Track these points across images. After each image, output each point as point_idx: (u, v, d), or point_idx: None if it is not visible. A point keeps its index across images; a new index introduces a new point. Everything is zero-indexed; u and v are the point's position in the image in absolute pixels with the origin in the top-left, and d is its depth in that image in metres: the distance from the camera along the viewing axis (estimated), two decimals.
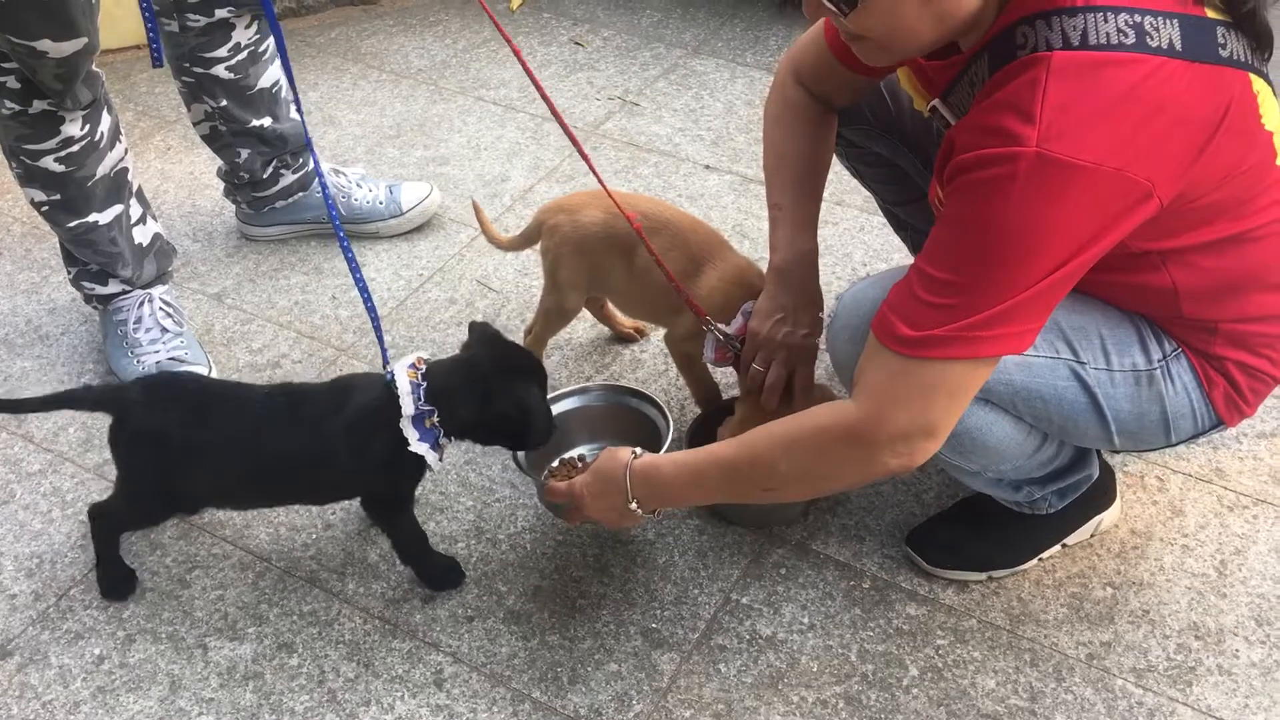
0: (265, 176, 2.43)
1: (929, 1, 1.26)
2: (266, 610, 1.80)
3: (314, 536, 1.91)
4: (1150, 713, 1.64)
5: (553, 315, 2.02)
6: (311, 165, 2.50)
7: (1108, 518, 1.86)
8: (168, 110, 3.03)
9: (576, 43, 3.30)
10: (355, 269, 1.71)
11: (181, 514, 1.83)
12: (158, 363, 2.13)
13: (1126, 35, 1.23)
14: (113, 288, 2.18)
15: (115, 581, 1.81)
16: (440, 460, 1.67)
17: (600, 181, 1.83)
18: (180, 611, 1.80)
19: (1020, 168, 1.23)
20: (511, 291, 2.41)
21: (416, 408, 1.62)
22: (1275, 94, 1.40)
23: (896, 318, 1.35)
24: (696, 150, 2.84)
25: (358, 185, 2.55)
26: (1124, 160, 1.23)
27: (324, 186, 1.68)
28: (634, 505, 1.58)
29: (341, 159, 2.82)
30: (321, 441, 1.65)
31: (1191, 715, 1.63)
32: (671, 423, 1.82)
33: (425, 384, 1.64)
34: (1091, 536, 1.86)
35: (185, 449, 1.65)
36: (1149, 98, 1.23)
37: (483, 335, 1.72)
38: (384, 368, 1.69)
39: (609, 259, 1.90)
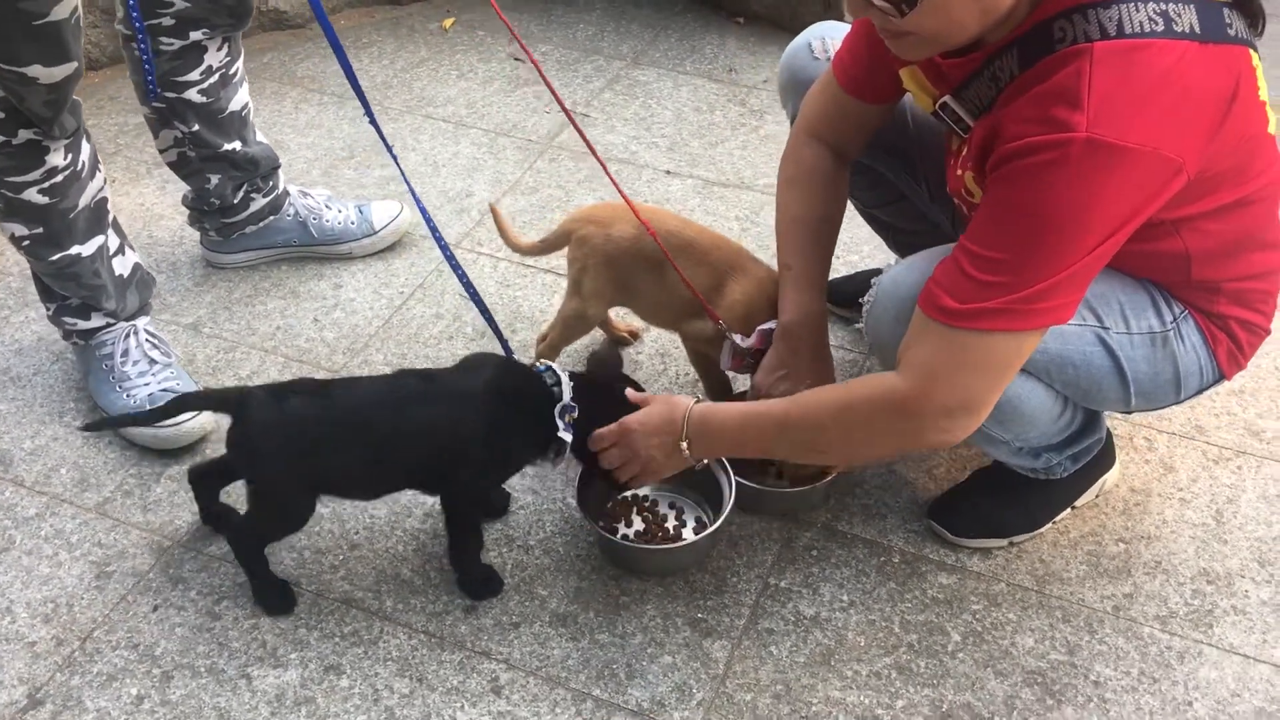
0: (236, 201, 2.39)
1: None
2: (305, 635, 1.77)
3: (341, 558, 1.88)
4: (1180, 655, 1.73)
5: (572, 322, 2.04)
6: (281, 188, 2.47)
7: (1110, 478, 1.96)
8: (104, 141, 2.94)
9: (516, 58, 3.32)
10: (460, 272, 1.86)
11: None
12: (149, 395, 2.07)
13: (1156, 23, 1.33)
14: (95, 321, 2.11)
15: (275, 595, 1.79)
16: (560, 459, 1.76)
17: (628, 201, 1.90)
18: (215, 644, 1.75)
19: (1072, 152, 1.31)
20: (496, 304, 2.41)
21: (570, 399, 1.70)
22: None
23: (945, 294, 1.42)
24: (654, 157, 2.89)
25: (326, 206, 2.52)
26: (1161, 139, 1.32)
27: (417, 203, 1.68)
28: (685, 445, 1.63)
29: (297, 183, 2.77)
30: (464, 406, 1.69)
31: (1217, 655, 1.73)
32: (734, 480, 1.86)
33: (573, 384, 1.72)
34: (1097, 497, 1.96)
35: (317, 429, 1.66)
36: (1180, 80, 1.33)
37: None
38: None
39: (637, 272, 1.94)
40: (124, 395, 2.08)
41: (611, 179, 1.91)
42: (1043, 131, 1.33)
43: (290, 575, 1.85)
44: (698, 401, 1.66)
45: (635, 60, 3.31)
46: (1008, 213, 1.38)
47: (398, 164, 1.85)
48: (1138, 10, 1.33)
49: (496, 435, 1.70)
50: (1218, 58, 1.36)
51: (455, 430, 1.69)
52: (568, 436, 1.71)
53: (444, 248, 1.92)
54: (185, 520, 1.93)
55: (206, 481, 1.85)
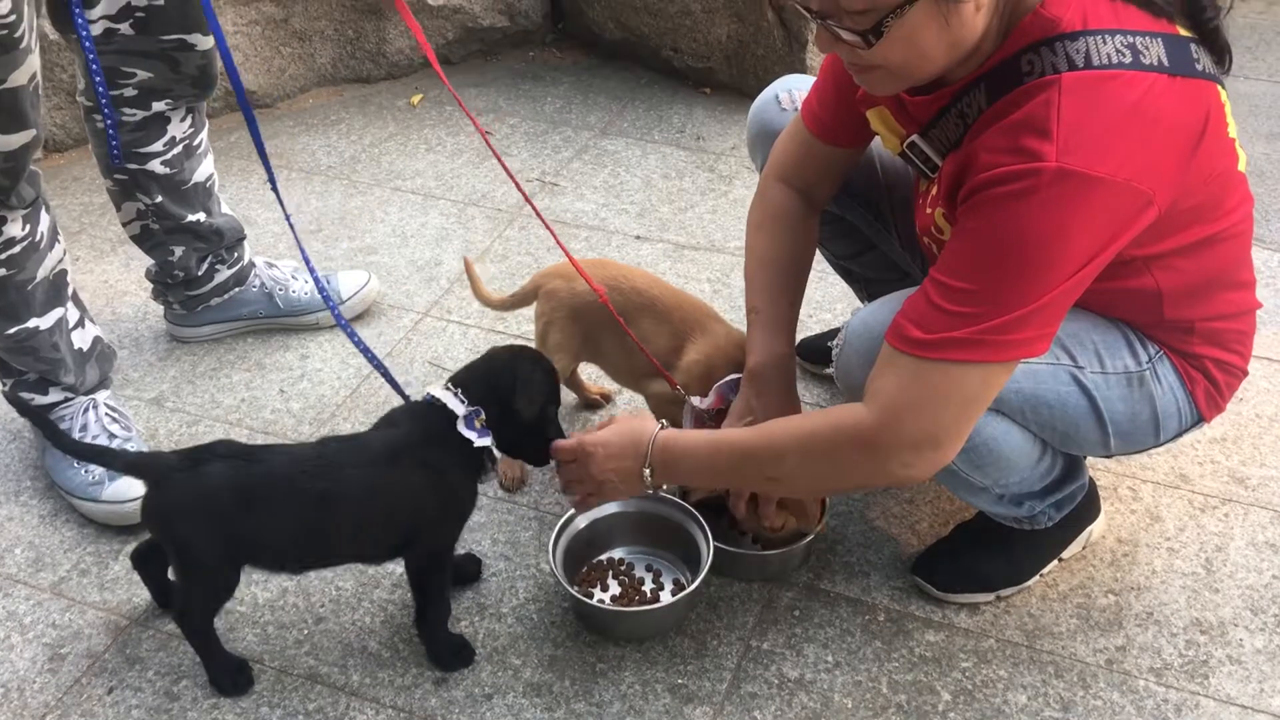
0: (200, 273, 2.35)
1: (946, 29, 1.32)
2: (268, 713, 1.69)
3: (306, 632, 1.81)
4: (1177, 709, 1.67)
5: None
6: (247, 259, 2.44)
7: (1096, 528, 1.91)
8: (69, 221, 2.91)
9: (486, 131, 3.31)
10: (354, 336, 1.80)
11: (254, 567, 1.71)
12: (107, 470, 2.01)
13: (1124, 55, 1.32)
14: (54, 396, 2.05)
15: (230, 675, 1.71)
16: (497, 463, 1.69)
17: (575, 264, 1.89)
18: None
19: (1042, 181, 1.29)
20: None
21: (465, 408, 1.63)
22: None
23: (913, 325, 1.39)
24: (624, 223, 2.88)
25: (293, 277, 2.49)
26: (1132, 171, 1.31)
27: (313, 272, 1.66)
28: (647, 472, 1.58)
29: (265, 256, 2.74)
30: (383, 465, 1.62)
31: (1214, 706, 1.68)
32: (711, 541, 1.80)
33: (460, 389, 1.65)
34: (1084, 548, 1.91)
35: (237, 493, 1.57)
36: (1149, 111, 1.32)
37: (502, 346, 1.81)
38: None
39: (602, 328, 1.91)
40: (81, 470, 2.01)
41: (559, 243, 1.89)
42: (1013, 161, 1.31)
43: (252, 651, 1.78)
44: (662, 427, 1.61)
45: (603, 131, 3.32)
46: (977, 243, 1.36)
47: (291, 225, 1.89)
48: (1105, 43, 1.33)
49: (425, 480, 1.64)
50: (1187, 91, 1.36)
51: (390, 488, 1.63)
52: (485, 441, 1.63)
53: (325, 296, 1.94)
54: (144, 598, 1.86)
55: (148, 562, 1.77)
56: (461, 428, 1.63)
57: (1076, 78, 1.31)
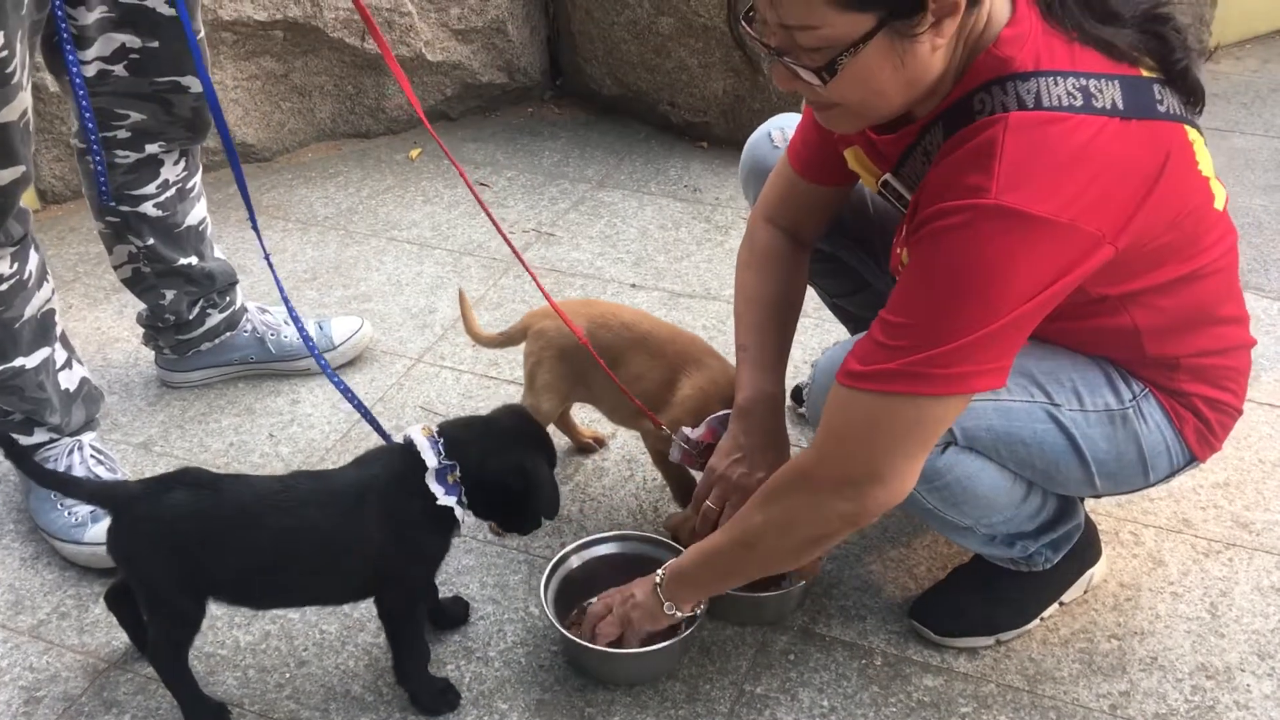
0: (191, 317, 2.34)
1: (901, 67, 1.32)
2: None
3: (288, 675, 1.77)
4: None
5: None
6: (239, 304, 2.43)
7: (1097, 572, 1.87)
8: (64, 270, 2.91)
9: (482, 184, 3.33)
10: (332, 375, 1.76)
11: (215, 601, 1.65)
12: (91, 512, 1.97)
13: (1075, 98, 1.32)
14: (39, 437, 2.03)
15: (206, 718, 1.65)
16: (463, 522, 1.64)
17: (551, 302, 1.91)
18: None
19: (978, 215, 1.28)
20: (457, 414, 2.34)
21: (439, 461, 1.58)
22: (1206, 143, 1.49)
23: (854, 359, 1.39)
24: (620, 271, 2.87)
25: (285, 322, 2.47)
26: (1076, 213, 1.29)
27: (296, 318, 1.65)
28: (659, 573, 1.62)
29: (258, 304, 2.74)
30: (346, 506, 1.58)
31: None
32: None
33: (442, 440, 1.60)
34: (1085, 592, 1.87)
35: (198, 523, 1.54)
36: (1098, 155, 1.30)
37: (507, 408, 1.76)
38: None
39: (592, 366, 1.89)
40: (64, 513, 1.98)
41: (537, 283, 1.91)
42: (954, 196, 1.30)
43: (232, 696, 1.73)
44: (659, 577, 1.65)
45: (600, 183, 3.33)
46: (914, 278, 1.36)
47: (269, 263, 1.93)
48: (1057, 85, 1.32)
49: (387, 525, 1.59)
50: (1143, 133, 1.34)
51: (350, 529, 1.58)
52: (449, 501, 1.58)
53: (307, 341, 1.93)
54: (123, 641, 1.81)
55: (123, 602, 1.72)
56: (430, 481, 1.58)
57: (1023, 117, 1.30)
